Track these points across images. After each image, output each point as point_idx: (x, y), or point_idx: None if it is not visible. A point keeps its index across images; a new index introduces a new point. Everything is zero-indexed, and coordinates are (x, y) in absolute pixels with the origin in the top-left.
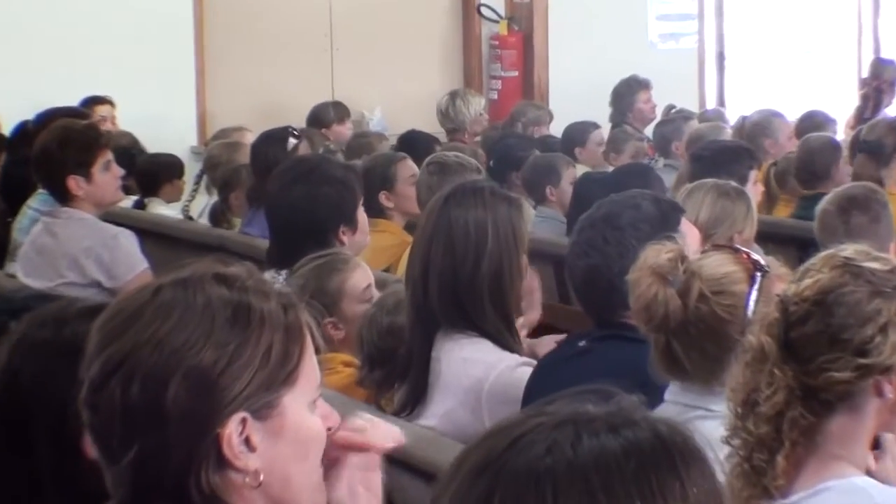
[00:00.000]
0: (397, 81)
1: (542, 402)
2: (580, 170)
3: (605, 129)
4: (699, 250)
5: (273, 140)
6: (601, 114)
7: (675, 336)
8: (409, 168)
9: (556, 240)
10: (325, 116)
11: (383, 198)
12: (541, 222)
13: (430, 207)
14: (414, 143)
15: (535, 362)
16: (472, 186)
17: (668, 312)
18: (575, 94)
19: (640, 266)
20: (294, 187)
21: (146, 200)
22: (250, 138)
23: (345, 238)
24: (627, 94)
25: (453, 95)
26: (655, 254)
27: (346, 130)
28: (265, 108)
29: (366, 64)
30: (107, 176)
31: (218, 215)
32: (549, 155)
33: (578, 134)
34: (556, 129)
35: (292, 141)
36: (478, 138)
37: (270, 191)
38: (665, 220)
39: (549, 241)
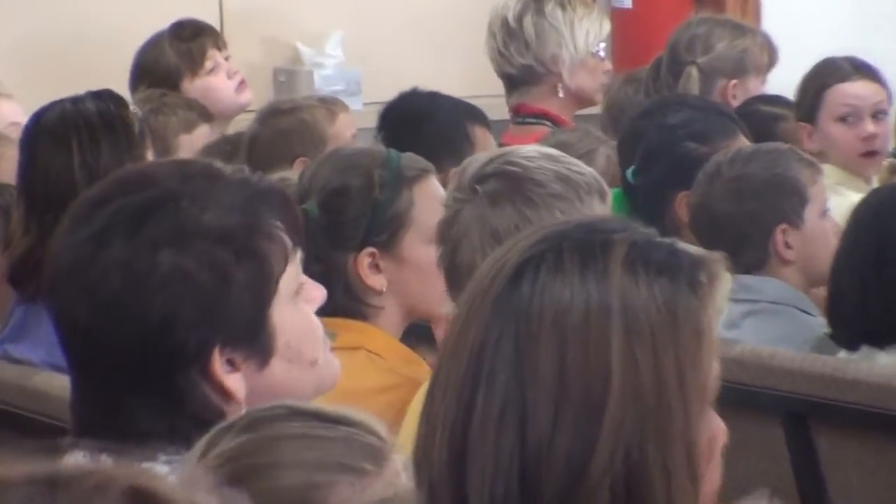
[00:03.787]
0: None
1: None
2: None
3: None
4: None
5: (60, 128)
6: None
7: None
8: (431, 189)
9: (793, 360)
10: (159, 67)
11: (363, 264)
12: (748, 316)
13: (475, 292)
14: (422, 124)
15: None
16: (581, 239)
17: None
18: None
19: None
20: (132, 242)
21: None
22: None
23: (277, 369)
24: None
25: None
26: None
27: (220, 84)
28: (65, 54)
29: None
30: None
31: None
32: (773, 150)
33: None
34: (781, 81)
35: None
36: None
37: (63, 257)
38: None
39: (772, 360)
